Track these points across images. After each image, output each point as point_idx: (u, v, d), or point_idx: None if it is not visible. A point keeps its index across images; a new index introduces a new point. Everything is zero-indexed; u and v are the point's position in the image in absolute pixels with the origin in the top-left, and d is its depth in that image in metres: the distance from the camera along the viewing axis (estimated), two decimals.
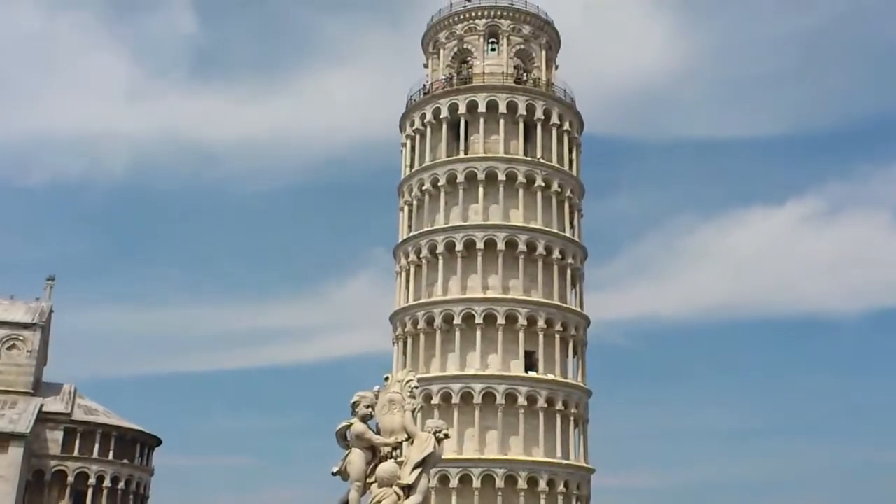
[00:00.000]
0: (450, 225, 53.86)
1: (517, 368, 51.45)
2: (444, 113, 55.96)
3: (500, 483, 49.15)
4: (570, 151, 57.41)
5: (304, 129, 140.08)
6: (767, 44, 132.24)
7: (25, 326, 61.16)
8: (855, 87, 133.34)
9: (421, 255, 54.32)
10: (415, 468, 14.48)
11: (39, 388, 61.77)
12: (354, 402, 15.03)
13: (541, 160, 55.08)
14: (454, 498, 48.93)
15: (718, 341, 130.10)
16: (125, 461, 62.14)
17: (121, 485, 61.36)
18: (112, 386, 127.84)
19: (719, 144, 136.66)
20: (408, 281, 55.28)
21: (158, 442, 66.51)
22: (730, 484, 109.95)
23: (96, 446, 60.54)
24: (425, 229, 54.65)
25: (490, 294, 52.30)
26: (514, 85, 56.48)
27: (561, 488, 50.48)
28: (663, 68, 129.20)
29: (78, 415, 61.01)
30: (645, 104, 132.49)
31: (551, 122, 56.21)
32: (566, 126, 56.98)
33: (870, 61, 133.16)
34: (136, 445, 63.59)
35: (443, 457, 49.90)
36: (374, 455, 14.93)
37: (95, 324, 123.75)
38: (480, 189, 53.99)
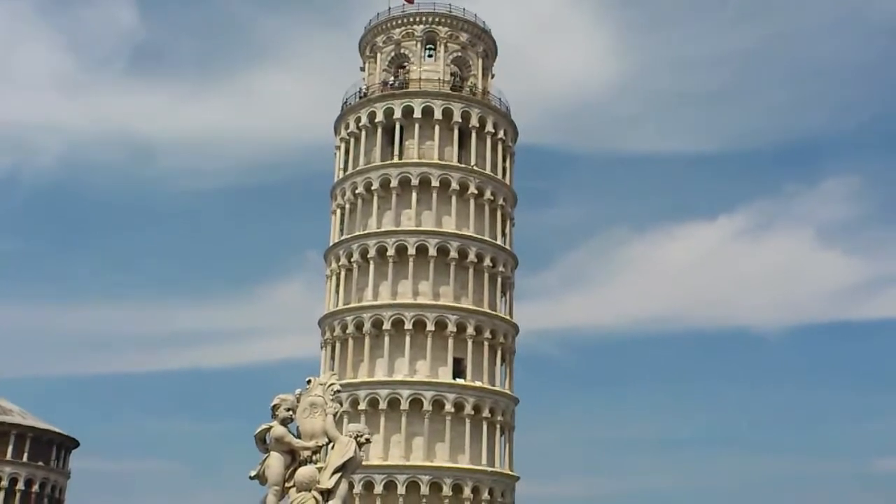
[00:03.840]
0: (382, 230, 53.65)
1: (445, 375, 51.43)
2: (380, 117, 55.75)
3: (424, 490, 49.07)
4: (504, 160, 57.76)
5: (242, 129, 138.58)
6: (703, 62, 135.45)
7: None
8: (784, 108, 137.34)
9: (352, 260, 53.97)
10: (335, 472, 14.33)
11: None
12: (275, 405, 14.84)
13: (474, 168, 55.26)
14: None
15: (648, 353, 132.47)
16: (40, 463, 60.35)
17: (35, 488, 59.58)
18: (31, 386, 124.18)
19: (654, 159, 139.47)
20: (338, 285, 54.86)
21: (76, 444, 64.75)
22: (656, 493, 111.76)
23: (10, 448, 58.75)
24: (357, 233, 54.34)
25: (420, 300, 52.21)
26: (450, 92, 56.56)
27: (485, 496, 50.57)
28: (602, 82, 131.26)
29: None
30: (582, 117, 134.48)
31: (486, 131, 56.44)
32: (500, 135, 57.30)
33: (798, 82, 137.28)
34: (52, 447, 61.78)
35: (369, 463, 48.68)
36: (294, 459, 14.74)
37: (16, 322, 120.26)
38: (414, 195, 53.90)
